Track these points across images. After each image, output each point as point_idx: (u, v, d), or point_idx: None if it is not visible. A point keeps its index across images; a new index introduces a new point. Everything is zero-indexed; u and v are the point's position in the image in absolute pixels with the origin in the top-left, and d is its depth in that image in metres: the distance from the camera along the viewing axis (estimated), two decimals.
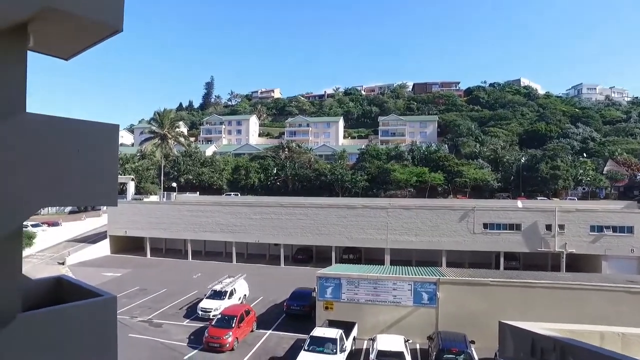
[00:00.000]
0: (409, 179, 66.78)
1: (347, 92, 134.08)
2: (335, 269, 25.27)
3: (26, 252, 36.48)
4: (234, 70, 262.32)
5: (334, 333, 18.64)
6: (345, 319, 21.14)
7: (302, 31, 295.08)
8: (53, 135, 4.29)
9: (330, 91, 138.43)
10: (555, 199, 60.50)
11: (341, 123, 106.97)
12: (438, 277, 21.90)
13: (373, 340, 18.87)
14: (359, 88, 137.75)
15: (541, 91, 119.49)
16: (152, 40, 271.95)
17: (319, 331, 19.14)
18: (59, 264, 37.61)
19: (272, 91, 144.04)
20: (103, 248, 43.58)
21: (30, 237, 38.68)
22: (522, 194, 63.36)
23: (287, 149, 79.16)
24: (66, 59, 5.51)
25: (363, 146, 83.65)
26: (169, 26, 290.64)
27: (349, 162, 78.00)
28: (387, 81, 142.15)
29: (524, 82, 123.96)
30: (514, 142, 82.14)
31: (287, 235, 39.19)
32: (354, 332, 20.37)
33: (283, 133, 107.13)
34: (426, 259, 36.20)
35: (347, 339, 19.03)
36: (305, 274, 32.54)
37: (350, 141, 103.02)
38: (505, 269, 33.92)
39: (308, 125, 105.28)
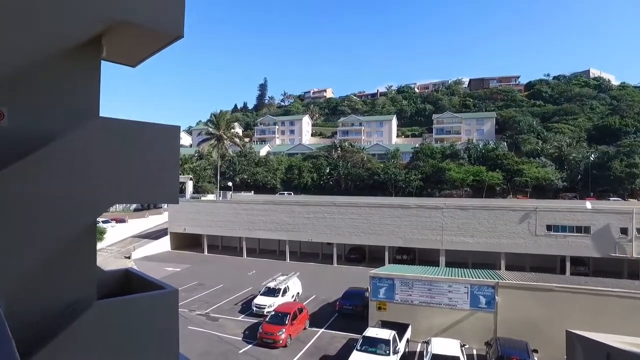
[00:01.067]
0: (465, 178, 64.50)
1: (400, 90, 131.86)
2: (388, 269, 24.94)
3: (98, 246, 39.23)
4: (286, 72, 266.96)
5: (387, 334, 18.40)
6: (399, 320, 20.80)
7: (353, 30, 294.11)
8: (122, 137, 4.44)
9: (382, 89, 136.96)
10: (632, 200, 55.69)
11: (394, 122, 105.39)
12: (497, 280, 20.92)
13: (427, 343, 18.41)
14: (412, 86, 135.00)
15: (615, 82, 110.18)
16: (207, 45, 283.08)
17: (371, 331, 18.99)
18: (126, 258, 40.28)
19: (324, 91, 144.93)
20: (164, 244, 46.04)
21: (101, 232, 41.76)
22: (592, 194, 58.99)
23: (339, 149, 79.36)
24: (134, 66, 5.72)
25: (417, 145, 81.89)
26: (223, 30, 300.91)
27: (403, 161, 76.70)
28: (442, 78, 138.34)
29: (594, 73, 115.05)
30: (581, 139, 76.56)
31: (340, 234, 39.27)
32: (408, 334, 19.99)
33: (335, 132, 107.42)
34: (483, 261, 34.74)
35: (400, 341, 18.70)
36: (358, 273, 32.41)
37: (403, 140, 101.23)
38: (571, 274, 31.69)
39: (361, 125, 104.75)
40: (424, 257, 38.13)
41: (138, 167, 6.92)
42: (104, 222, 44.93)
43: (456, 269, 25.79)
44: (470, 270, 26.26)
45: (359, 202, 43.00)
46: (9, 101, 6.07)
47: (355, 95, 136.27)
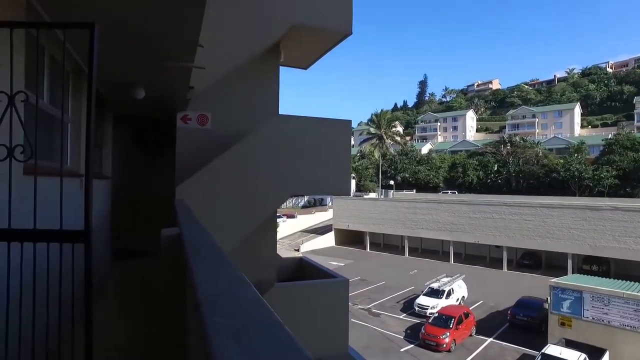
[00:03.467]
0: None
1: (585, 73, 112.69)
2: (573, 280, 21.45)
3: None
4: (447, 66, 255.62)
5: (574, 356, 15.85)
6: (589, 341, 17.66)
7: (522, 13, 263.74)
8: (299, 132, 5.19)
9: (561, 74, 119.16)
10: None
11: (577, 110, 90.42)
12: None
13: None
14: (602, 66, 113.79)
15: None
16: (363, 46, 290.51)
17: (553, 350, 16.62)
18: (295, 250, 44.20)
19: (490, 83, 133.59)
20: (329, 239, 48.92)
21: (276, 226, 46.82)
22: None
23: (509, 144, 72.13)
24: (305, 69, 6.42)
25: (610, 135, 68.57)
26: (376, 30, 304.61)
27: (589, 155, 65.26)
28: None
29: None
30: None
31: (510, 237, 35.59)
32: None
33: (504, 127, 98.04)
34: None
35: None
36: (532, 281, 29.08)
37: (590, 131, 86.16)
38: None
39: (534, 116, 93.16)
40: (623, 270, 31.55)
41: (314, 160, 7.50)
42: (277, 216, 50.06)
43: None
44: None
45: (534, 202, 38.23)
46: (212, 107, 7.28)
47: (526, 84, 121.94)
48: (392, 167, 76.37)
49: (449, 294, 25.22)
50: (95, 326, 1.89)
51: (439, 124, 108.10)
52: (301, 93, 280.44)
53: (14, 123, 1.96)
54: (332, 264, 38.64)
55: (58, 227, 1.96)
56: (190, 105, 6.67)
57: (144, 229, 8.34)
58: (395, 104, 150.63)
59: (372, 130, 65.65)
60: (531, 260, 36.37)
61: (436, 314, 21.74)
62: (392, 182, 69.39)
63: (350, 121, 6.91)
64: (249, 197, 6.20)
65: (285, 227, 50.93)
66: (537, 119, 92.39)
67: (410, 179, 74.59)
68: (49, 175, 3.13)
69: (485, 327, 22.53)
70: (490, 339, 21.08)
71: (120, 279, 7.41)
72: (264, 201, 6.25)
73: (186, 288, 2.01)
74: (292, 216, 56.16)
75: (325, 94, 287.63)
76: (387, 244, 47.17)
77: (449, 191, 67.87)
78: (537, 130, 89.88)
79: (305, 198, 68.29)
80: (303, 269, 8.76)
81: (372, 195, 63.63)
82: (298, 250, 44.19)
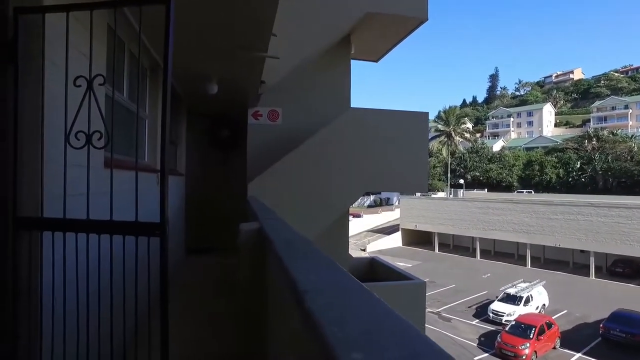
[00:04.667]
0: None
1: None
2: None
3: None
4: (520, 58, 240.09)
5: None
6: None
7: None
8: (373, 125, 4.91)
9: None
10: None
11: None
12: None
13: None
14: None
15: None
16: (429, 40, 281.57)
17: None
18: (361, 250, 43.84)
19: (571, 72, 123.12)
20: (396, 240, 47.99)
21: (348, 224, 46.91)
22: None
23: (594, 139, 65.92)
24: (376, 61, 6.05)
25: None
26: (440, 23, 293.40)
27: None
28: None
29: None
30: None
31: (598, 241, 32.31)
32: None
33: (588, 120, 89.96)
34: None
35: None
36: (627, 292, 26.32)
37: None
38: None
39: (626, 107, 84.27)
40: None
41: (388, 155, 7.16)
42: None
43: None
44: None
45: (628, 203, 34.46)
46: (283, 102, 7.20)
47: (616, 71, 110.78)
48: (462, 165, 73.27)
49: (527, 301, 23.43)
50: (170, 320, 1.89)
51: (512, 119, 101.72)
52: (362, 89, 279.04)
53: (93, 110, 1.92)
54: (399, 264, 37.64)
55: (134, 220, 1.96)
56: (261, 101, 6.64)
57: (216, 225, 8.52)
58: (464, 100, 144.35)
59: (440, 127, 63.51)
60: (626, 269, 32.61)
61: (514, 322, 20.27)
62: (461, 181, 66.66)
63: (427, 113, 6.48)
64: (322, 194, 6.03)
65: (351, 227, 50.69)
66: (630, 110, 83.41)
67: (481, 178, 71.08)
68: (127, 169, 3.13)
69: (572, 340, 20.55)
70: (579, 354, 19.16)
71: (193, 273, 7.58)
72: (336, 198, 6.05)
73: (271, 284, 1.90)
74: (358, 215, 55.96)
75: (385, 91, 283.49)
76: (457, 245, 45.24)
77: (525, 190, 63.66)
78: (631, 123, 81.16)
79: (372, 197, 67.78)
80: (375, 270, 8.44)
81: (441, 194, 61.54)
82: (364, 250, 43.83)
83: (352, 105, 7.06)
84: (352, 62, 8.67)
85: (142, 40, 4.28)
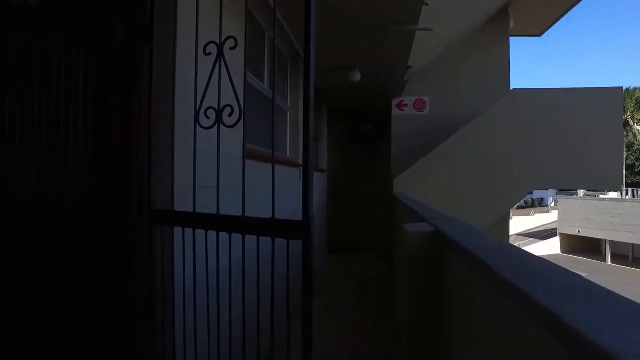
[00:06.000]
0: None
1: None
2: None
3: None
4: None
5: None
6: None
7: None
8: (543, 109, 3.93)
9: None
10: None
11: None
12: None
13: None
14: None
15: None
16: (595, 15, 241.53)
17: None
18: None
19: None
20: (552, 246, 42.51)
21: (508, 226, 43.65)
22: None
23: None
24: (539, 35, 4.95)
25: None
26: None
27: None
28: None
29: None
30: None
31: None
32: None
33: None
34: None
35: None
36: None
37: None
38: None
39: None
40: None
41: (565, 144, 5.94)
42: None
43: None
44: None
45: None
46: (430, 89, 6.59)
47: None
48: None
49: None
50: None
51: None
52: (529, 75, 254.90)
53: (224, 82, 1.65)
54: None
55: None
56: (406, 90, 6.15)
57: (359, 225, 8.29)
58: None
59: None
60: None
61: None
62: None
63: (621, 88, 5.14)
64: (479, 194, 5.27)
65: None
66: None
67: None
68: (266, 162, 2.99)
69: None
70: None
71: (335, 273, 7.45)
72: (496, 198, 5.22)
73: (476, 314, 1.44)
74: None
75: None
76: (638, 258, 37.79)
77: None
78: None
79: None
80: None
81: (613, 194, 52.42)
82: None
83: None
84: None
85: (281, 26, 4.24)
